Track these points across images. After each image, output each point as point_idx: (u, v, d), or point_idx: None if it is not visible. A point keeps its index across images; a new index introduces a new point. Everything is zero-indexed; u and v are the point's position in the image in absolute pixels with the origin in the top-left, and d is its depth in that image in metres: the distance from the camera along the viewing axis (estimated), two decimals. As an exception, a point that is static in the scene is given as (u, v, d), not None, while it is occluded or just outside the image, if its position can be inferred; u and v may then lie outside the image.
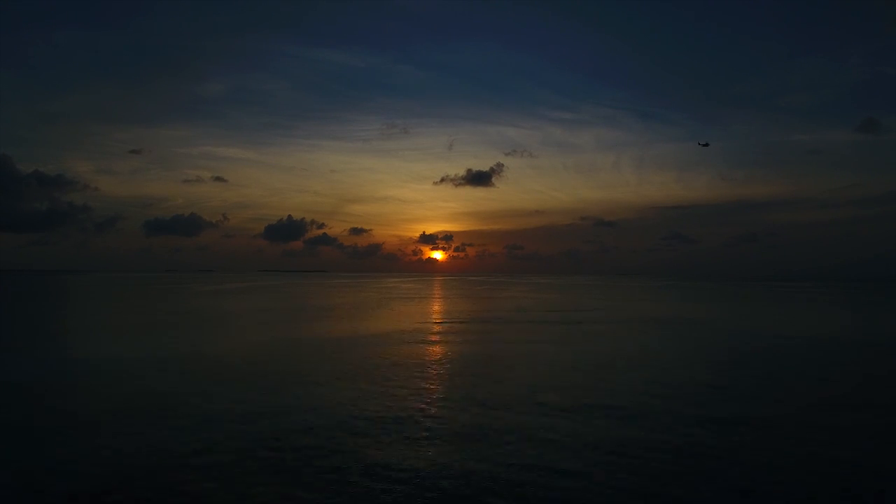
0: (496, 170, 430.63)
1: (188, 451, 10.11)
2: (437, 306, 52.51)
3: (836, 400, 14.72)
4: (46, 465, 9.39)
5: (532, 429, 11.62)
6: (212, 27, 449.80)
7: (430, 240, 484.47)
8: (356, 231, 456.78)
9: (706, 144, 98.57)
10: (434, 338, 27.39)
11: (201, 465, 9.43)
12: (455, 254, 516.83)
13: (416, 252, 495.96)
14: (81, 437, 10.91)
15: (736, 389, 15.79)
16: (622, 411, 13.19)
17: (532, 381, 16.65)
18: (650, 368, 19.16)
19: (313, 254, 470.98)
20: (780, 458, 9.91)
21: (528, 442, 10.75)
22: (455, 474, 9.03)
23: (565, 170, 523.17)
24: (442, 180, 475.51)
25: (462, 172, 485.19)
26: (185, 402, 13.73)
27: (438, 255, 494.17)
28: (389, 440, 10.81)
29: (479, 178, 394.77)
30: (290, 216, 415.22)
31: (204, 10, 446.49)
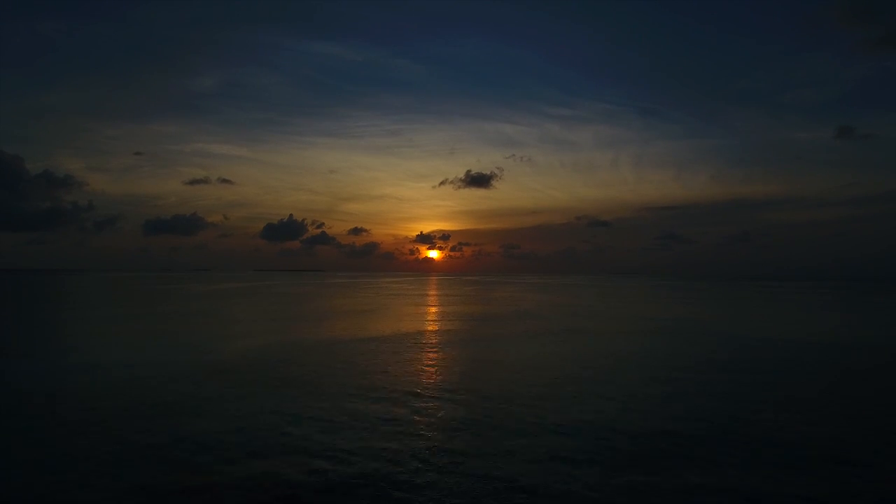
0: (496, 173, 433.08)
1: (207, 461, 11.53)
2: (423, 311, 53.91)
3: (821, 408, 16.08)
4: (68, 480, 9.72)
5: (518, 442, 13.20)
6: (201, 19, 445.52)
7: (426, 239, 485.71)
8: (356, 231, 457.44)
9: None
10: (427, 344, 28.92)
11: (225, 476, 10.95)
12: (451, 253, 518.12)
13: (413, 251, 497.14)
14: (99, 448, 11.78)
15: (724, 398, 17.11)
16: (600, 421, 14.78)
17: (519, 390, 18.12)
18: (630, 376, 20.70)
19: (310, 253, 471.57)
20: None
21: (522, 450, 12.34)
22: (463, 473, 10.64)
23: (563, 168, 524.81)
24: (441, 184, 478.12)
25: (460, 171, 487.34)
26: (196, 409, 15.20)
27: (435, 254, 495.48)
28: (400, 440, 12.40)
29: (478, 181, 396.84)
30: (291, 216, 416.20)
31: (194, 1, 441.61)
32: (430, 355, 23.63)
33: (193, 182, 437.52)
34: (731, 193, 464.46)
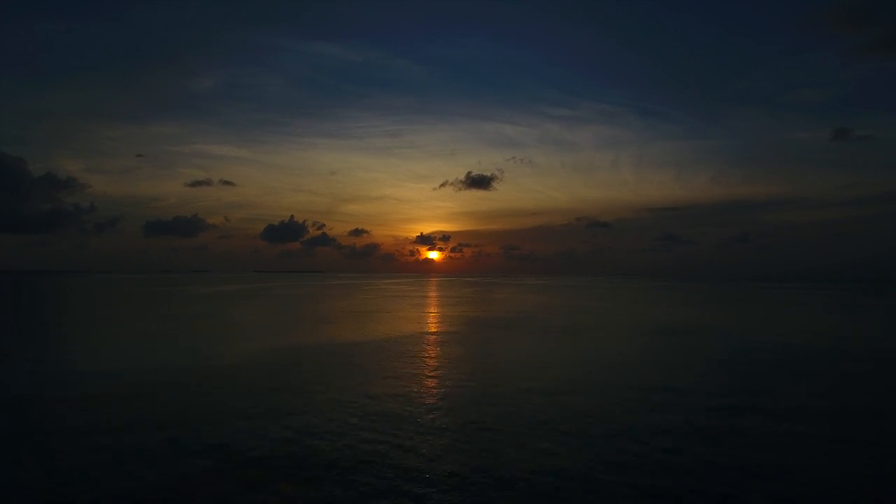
0: (497, 175, 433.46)
1: (207, 463, 11.65)
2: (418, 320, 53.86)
3: (808, 412, 16.31)
4: (69, 485, 9.87)
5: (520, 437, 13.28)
6: (201, 19, 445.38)
7: (427, 240, 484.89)
8: (356, 232, 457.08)
9: None
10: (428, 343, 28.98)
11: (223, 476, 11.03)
12: (452, 254, 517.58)
13: (413, 253, 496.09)
14: (99, 453, 11.90)
15: (721, 399, 17.36)
16: (606, 424, 14.84)
17: (520, 394, 18.22)
18: (630, 377, 20.78)
19: (310, 254, 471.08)
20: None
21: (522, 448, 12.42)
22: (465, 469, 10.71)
23: (563, 168, 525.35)
24: (442, 185, 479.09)
25: (460, 173, 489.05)
26: (196, 414, 15.24)
27: (435, 255, 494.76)
28: (405, 440, 12.47)
29: (479, 182, 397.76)
30: (291, 217, 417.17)
31: (193, 1, 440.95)
32: (432, 359, 23.66)
33: (194, 184, 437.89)
34: (731, 194, 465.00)
